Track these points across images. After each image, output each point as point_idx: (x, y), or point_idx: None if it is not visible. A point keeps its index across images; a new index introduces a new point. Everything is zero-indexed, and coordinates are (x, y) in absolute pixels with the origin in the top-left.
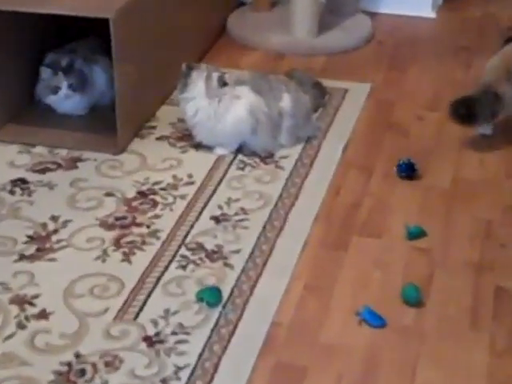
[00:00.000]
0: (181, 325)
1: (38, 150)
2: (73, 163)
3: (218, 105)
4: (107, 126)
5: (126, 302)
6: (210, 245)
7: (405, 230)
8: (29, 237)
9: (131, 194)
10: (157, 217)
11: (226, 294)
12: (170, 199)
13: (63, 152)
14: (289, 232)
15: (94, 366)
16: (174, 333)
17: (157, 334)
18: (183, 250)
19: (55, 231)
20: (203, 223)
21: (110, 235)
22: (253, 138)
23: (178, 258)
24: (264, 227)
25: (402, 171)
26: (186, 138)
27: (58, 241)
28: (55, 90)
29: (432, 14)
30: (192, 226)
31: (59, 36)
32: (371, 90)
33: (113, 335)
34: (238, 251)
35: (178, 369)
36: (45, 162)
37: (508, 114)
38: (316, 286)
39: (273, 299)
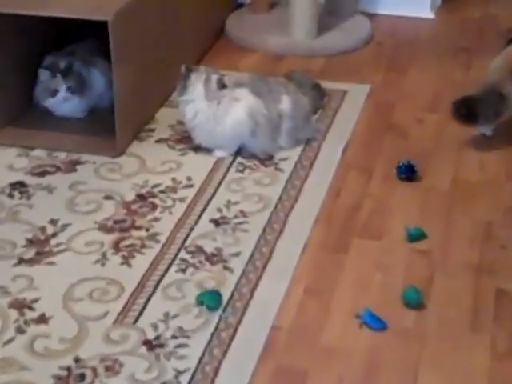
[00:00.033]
0: (181, 328)
1: (37, 153)
2: (72, 166)
3: (217, 107)
4: (106, 128)
5: (125, 305)
6: (209, 248)
7: (405, 232)
8: (28, 240)
9: (130, 197)
10: (156, 220)
11: (225, 298)
12: (170, 202)
13: (62, 155)
14: (289, 234)
15: (93, 370)
16: (174, 336)
17: (157, 338)
18: (183, 254)
19: (54, 235)
20: (203, 226)
21: (110, 238)
22: (252, 141)
23: (177, 261)
24: (264, 230)
25: (401, 173)
26: (185, 140)
27: (57, 244)
28: (54, 92)
29: (431, 15)
30: (191, 229)
31: (58, 38)
32: (370, 91)
33: (113, 339)
34: (237, 254)
35: (178, 373)
36: (43, 165)
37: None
38: (316, 288)
39: (273, 302)
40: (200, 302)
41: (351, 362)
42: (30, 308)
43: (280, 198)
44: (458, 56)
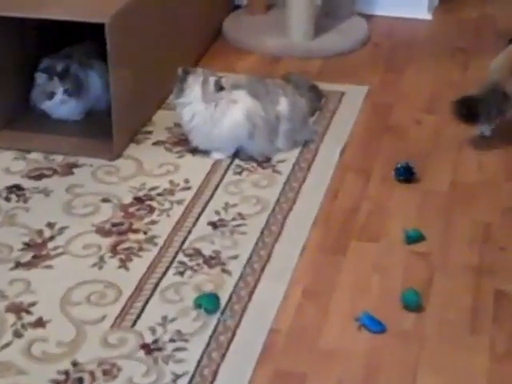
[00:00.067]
0: (179, 332)
1: (34, 156)
2: (69, 169)
3: (215, 109)
4: (103, 131)
5: (123, 309)
6: (207, 250)
7: (403, 233)
8: (25, 244)
9: (128, 199)
10: (154, 223)
11: (224, 301)
12: (167, 205)
13: (59, 158)
14: (287, 237)
15: (91, 374)
16: (172, 340)
17: (155, 342)
18: (181, 256)
19: (51, 238)
20: (200, 229)
21: (107, 242)
22: (250, 143)
23: (175, 264)
24: (262, 232)
25: (400, 175)
26: (182, 142)
27: (55, 248)
28: (51, 95)
29: (428, 16)
30: (189, 232)
31: (55, 41)
32: (368, 92)
33: (110, 343)
34: (235, 257)
35: (177, 376)
36: (40, 168)
37: None
38: (315, 291)
39: (271, 305)
40: (198, 305)
41: (350, 364)
42: (28, 312)
43: (278, 200)
44: (456, 57)
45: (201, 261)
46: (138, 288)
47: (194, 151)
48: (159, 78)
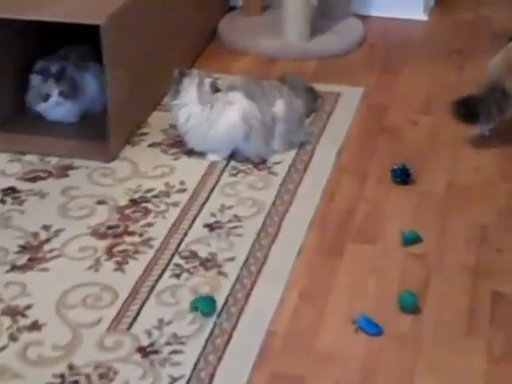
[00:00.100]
0: (175, 335)
1: (29, 158)
2: (64, 171)
3: (211, 111)
4: (98, 133)
5: (119, 312)
6: (203, 253)
7: (400, 235)
8: (20, 246)
9: (123, 202)
10: (149, 225)
11: (220, 303)
12: (163, 207)
13: (54, 160)
14: (283, 239)
15: (87, 377)
16: (168, 343)
17: (151, 345)
18: (177, 259)
19: (47, 240)
20: (196, 231)
21: (103, 244)
22: (246, 144)
23: (171, 266)
24: (258, 234)
25: (396, 176)
26: (177, 144)
27: (50, 250)
28: (46, 97)
29: (424, 17)
30: (185, 234)
31: (51, 43)
32: (364, 93)
33: (106, 346)
34: (232, 259)
35: (173, 380)
36: (36, 170)
37: None
38: (311, 293)
39: (268, 308)
40: (194, 307)
41: (347, 367)
42: (23, 315)
43: (274, 202)
44: (451, 58)
45: (197, 263)
46: (134, 291)
47: (190, 153)
48: (154, 79)
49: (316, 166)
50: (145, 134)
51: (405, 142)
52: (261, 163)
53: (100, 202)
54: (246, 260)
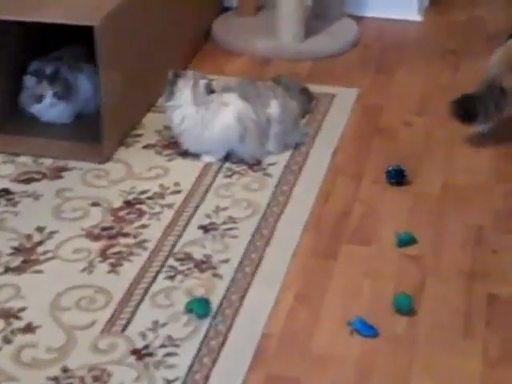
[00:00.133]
0: (170, 337)
1: (23, 159)
2: (58, 173)
3: (206, 112)
4: (92, 134)
5: (113, 314)
6: (198, 255)
7: (395, 237)
8: (14, 248)
9: (117, 203)
10: (144, 227)
11: (215, 305)
12: (157, 208)
13: (48, 161)
14: (278, 241)
15: (81, 380)
16: (163, 345)
17: (145, 347)
18: (171, 261)
19: (41, 242)
20: (191, 233)
21: (97, 246)
22: (241, 145)
23: (166, 268)
24: (253, 236)
25: (391, 177)
26: (172, 145)
27: (44, 252)
28: (39, 98)
29: (418, 18)
30: (180, 236)
31: (45, 44)
32: (359, 94)
33: (101, 349)
34: (226, 261)
35: (168, 382)
36: (29, 171)
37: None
38: (306, 295)
39: (263, 310)
40: (189, 309)
41: (343, 369)
42: (17, 317)
43: (269, 203)
44: (446, 58)
45: (192, 265)
46: (129, 293)
47: (184, 154)
48: (149, 80)
49: (311, 167)
50: (139, 135)
51: (400, 142)
52: (256, 164)
53: (94, 204)
54: (241, 262)
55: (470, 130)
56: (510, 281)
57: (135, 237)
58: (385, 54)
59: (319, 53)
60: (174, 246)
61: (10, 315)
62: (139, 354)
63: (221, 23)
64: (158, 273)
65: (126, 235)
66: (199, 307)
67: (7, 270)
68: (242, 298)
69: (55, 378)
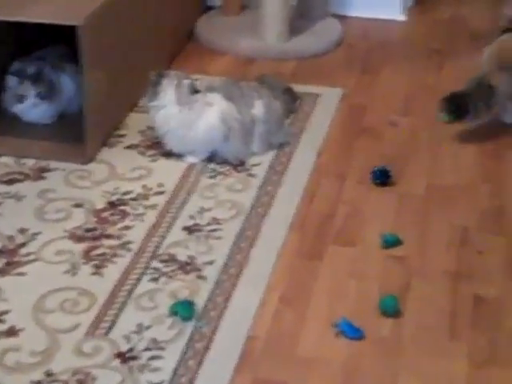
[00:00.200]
0: (154, 340)
1: (4, 160)
2: (40, 173)
3: (189, 112)
4: (75, 134)
5: (97, 316)
6: (182, 256)
7: (380, 238)
8: None
9: (101, 204)
10: (127, 228)
11: (200, 307)
12: (141, 210)
13: (30, 162)
14: (262, 242)
15: None
16: (147, 348)
17: (130, 350)
18: (155, 263)
19: (23, 244)
20: (175, 234)
21: (80, 247)
22: (225, 146)
23: (150, 270)
24: (237, 237)
25: (376, 178)
26: (155, 146)
27: (27, 254)
28: (21, 98)
29: (402, 17)
30: (164, 237)
31: (28, 43)
32: (343, 94)
33: (85, 352)
34: (211, 262)
35: None
36: (12, 172)
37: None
38: (292, 297)
39: (248, 312)
40: (174, 312)
41: (329, 371)
42: (0, 320)
43: (253, 204)
44: (430, 57)
45: (176, 267)
46: (112, 295)
47: (168, 155)
48: (132, 80)
49: (295, 167)
50: (122, 135)
51: (385, 142)
52: (239, 165)
53: (77, 205)
54: (226, 263)
55: (455, 130)
56: (496, 281)
57: (119, 238)
58: (369, 53)
59: (303, 52)
60: (157, 247)
61: None
62: (123, 357)
63: (204, 22)
64: (142, 275)
65: (109, 237)
66: (184, 310)
67: None
68: (227, 299)
69: (39, 382)
